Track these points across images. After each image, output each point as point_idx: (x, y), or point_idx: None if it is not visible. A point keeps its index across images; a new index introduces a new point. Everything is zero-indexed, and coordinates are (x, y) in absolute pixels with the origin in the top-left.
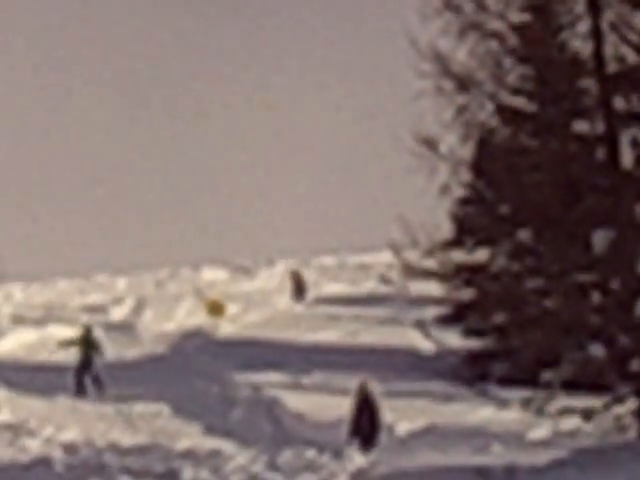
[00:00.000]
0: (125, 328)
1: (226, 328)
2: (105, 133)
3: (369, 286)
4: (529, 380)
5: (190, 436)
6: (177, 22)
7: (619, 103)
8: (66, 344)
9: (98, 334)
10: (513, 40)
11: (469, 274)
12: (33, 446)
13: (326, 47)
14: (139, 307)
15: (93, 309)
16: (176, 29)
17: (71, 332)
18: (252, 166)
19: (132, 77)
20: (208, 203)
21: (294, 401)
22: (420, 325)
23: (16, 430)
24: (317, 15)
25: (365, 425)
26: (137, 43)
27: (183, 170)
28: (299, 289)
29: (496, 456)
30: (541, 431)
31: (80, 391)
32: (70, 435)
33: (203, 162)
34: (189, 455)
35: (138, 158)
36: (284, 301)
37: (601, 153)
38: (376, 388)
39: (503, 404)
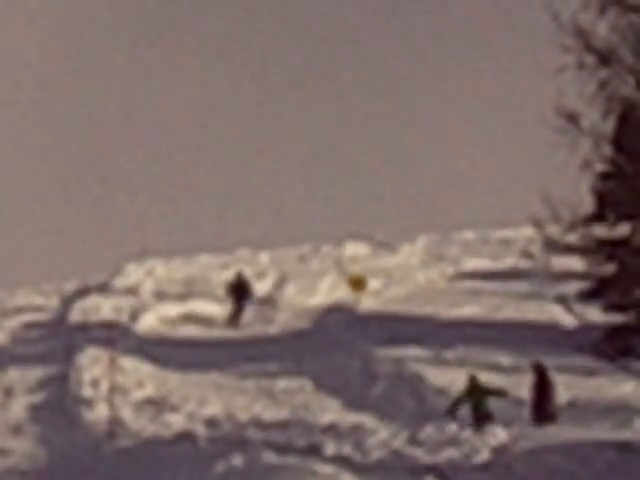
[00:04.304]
0: (267, 303)
1: (368, 303)
2: (243, 113)
3: (511, 261)
4: None
5: (332, 411)
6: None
7: None
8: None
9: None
10: None
11: (611, 249)
12: (176, 421)
13: (468, 24)
14: (281, 282)
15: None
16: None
17: (214, 307)
18: (393, 144)
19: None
20: (350, 179)
21: (436, 376)
22: (562, 300)
23: (159, 405)
24: None
25: (544, 402)
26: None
27: (325, 146)
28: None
29: (638, 431)
30: None
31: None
32: (212, 410)
33: (346, 139)
34: (331, 430)
35: (282, 134)
36: (425, 276)
37: None
38: (549, 365)
39: None
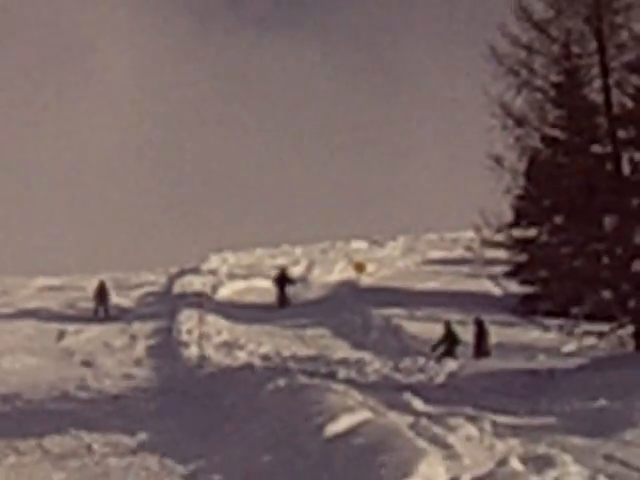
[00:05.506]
0: (301, 280)
1: (366, 280)
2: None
3: (459, 252)
4: (563, 313)
5: (343, 350)
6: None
7: (621, 134)
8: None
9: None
10: (552, 93)
11: (524, 245)
12: (241, 356)
13: (432, 101)
14: (310, 267)
15: (280, 268)
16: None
17: (266, 284)
18: (387, 178)
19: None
20: (356, 200)
21: (411, 327)
22: (492, 278)
23: (231, 346)
24: (427, 74)
25: (482, 344)
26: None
27: (344, 178)
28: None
29: (541, 363)
30: (571, 346)
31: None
32: (266, 349)
33: (355, 174)
34: (343, 362)
35: (313, 168)
36: (403, 263)
37: (609, 166)
38: (484, 320)
39: (546, 329)
